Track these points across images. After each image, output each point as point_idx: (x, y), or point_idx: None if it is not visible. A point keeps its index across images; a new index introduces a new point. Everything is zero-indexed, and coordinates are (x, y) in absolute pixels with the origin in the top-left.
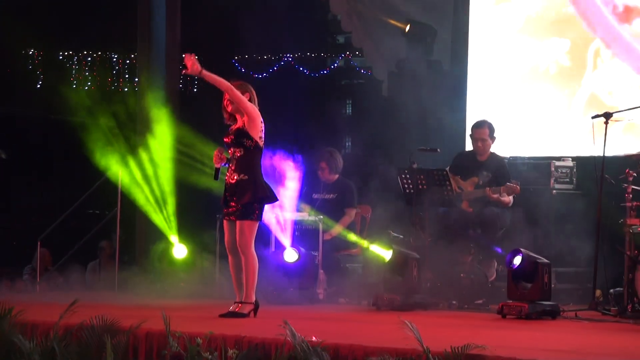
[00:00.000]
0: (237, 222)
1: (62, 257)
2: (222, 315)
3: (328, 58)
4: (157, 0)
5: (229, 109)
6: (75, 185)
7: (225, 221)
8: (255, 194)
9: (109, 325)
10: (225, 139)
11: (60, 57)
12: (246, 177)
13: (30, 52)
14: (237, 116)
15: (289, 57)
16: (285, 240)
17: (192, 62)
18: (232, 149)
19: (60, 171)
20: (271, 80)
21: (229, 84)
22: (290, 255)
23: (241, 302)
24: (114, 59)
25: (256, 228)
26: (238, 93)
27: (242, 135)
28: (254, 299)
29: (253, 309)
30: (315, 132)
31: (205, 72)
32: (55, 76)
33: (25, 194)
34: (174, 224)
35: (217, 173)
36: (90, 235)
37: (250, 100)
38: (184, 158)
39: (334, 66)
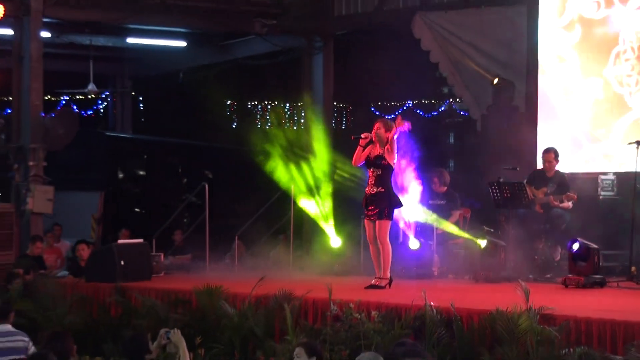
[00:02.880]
0: (377, 222)
1: (252, 247)
2: (367, 287)
3: (437, 103)
4: (315, 62)
5: (375, 138)
6: (260, 196)
7: (366, 220)
8: (389, 201)
9: (287, 295)
10: (367, 159)
11: (249, 106)
12: (383, 189)
13: (228, 102)
14: (377, 144)
15: (410, 103)
16: (410, 233)
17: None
18: (372, 169)
19: (249, 187)
20: None
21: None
22: (414, 244)
23: (380, 278)
24: (287, 106)
25: (389, 225)
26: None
27: (382, 159)
28: (388, 275)
29: (388, 282)
30: (428, 156)
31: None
32: (245, 119)
33: (225, 203)
34: (331, 222)
35: (359, 138)
36: (272, 231)
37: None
38: (337, 176)
39: (442, 109)
